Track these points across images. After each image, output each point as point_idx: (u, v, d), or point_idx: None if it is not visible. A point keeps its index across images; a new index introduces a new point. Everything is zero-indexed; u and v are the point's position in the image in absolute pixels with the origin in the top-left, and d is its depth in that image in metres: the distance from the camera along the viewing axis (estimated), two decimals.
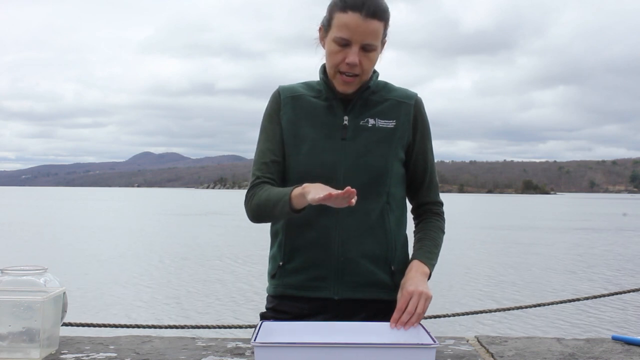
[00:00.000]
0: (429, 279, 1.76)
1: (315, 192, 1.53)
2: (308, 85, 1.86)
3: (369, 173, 1.75)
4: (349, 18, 1.69)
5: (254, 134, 1.88)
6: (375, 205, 1.76)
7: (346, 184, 1.69)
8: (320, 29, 1.81)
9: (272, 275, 1.82)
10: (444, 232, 1.89)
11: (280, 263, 1.79)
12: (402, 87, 1.88)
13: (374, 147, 1.77)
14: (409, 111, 1.81)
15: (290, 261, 1.78)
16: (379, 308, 1.76)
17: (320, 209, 1.72)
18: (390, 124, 1.79)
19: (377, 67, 1.88)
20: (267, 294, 1.87)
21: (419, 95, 1.86)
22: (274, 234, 1.84)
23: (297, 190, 1.61)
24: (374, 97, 1.81)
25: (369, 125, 1.78)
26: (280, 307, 1.80)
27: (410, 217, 1.93)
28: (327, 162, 1.75)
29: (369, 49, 1.71)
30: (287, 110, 1.81)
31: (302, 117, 1.80)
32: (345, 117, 1.78)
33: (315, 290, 1.75)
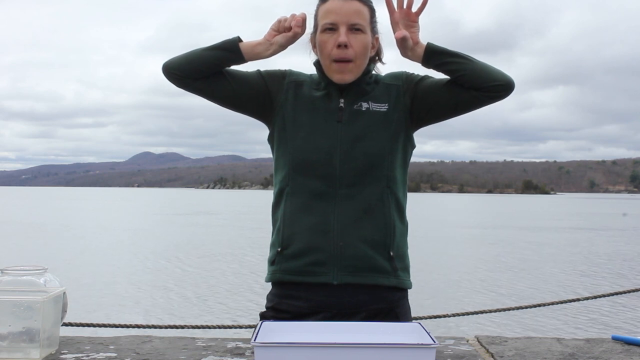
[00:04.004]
0: (426, 52, 1.76)
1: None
2: (312, 77, 1.89)
3: (365, 158, 1.77)
4: (331, 3, 1.77)
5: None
6: (374, 189, 1.77)
7: (343, 169, 1.74)
8: (310, 38, 1.86)
9: (272, 262, 1.83)
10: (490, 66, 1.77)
11: (279, 249, 1.80)
12: (390, 72, 1.90)
13: (370, 131, 1.78)
14: (399, 92, 1.83)
15: (289, 247, 1.78)
16: (379, 308, 1.76)
17: (318, 194, 1.74)
18: (383, 107, 1.81)
19: (378, 68, 1.91)
20: (266, 290, 1.87)
21: (407, 71, 1.88)
22: (274, 223, 1.86)
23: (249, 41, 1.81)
24: (368, 86, 1.84)
25: (363, 109, 1.80)
26: (280, 307, 1.80)
27: (410, 204, 1.92)
28: (322, 147, 1.77)
29: (357, 30, 1.76)
30: (289, 96, 1.84)
31: (302, 104, 1.83)
32: (341, 100, 1.81)
33: (314, 276, 1.75)
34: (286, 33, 1.79)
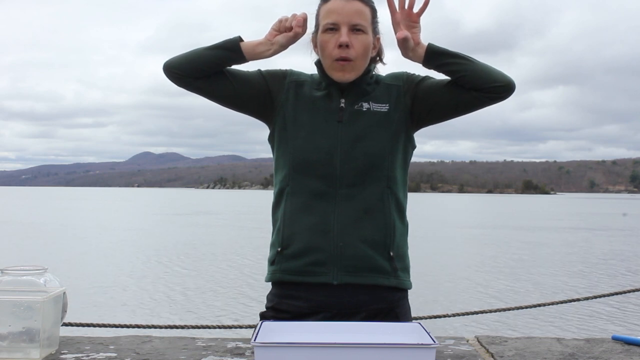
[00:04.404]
0: (427, 53, 1.77)
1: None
2: (313, 77, 1.89)
3: (366, 158, 1.77)
4: (333, 3, 1.77)
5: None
6: (374, 190, 1.77)
7: (343, 169, 1.74)
8: (312, 38, 1.87)
9: (272, 262, 1.83)
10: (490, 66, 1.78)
11: (279, 249, 1.80)
12: (391, 72, 1.90)
13: (370, 132, 1.78)
14: (400, 92, 1.83)
15: (289, 247, 1.78)
16: (379, 308, 1.76)
17: (318, 194, 1.75)
18: (384, 107, 1.81)
19: (379, 69, 1.91)
20: (266, 290, 1.87)
21: (408, 71, 1.88)
22: (274, 223, 1.86)
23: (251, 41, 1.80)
24: (369, 87, 1.84)
25: (364, 109, 1.80)
26: (280, 307, 1.80)
27: (410, 204, 1.92)
28: (323, 146, 1.77)
29: (358, 30, 1.76)
30: (290, 96, 1.84)
31: (302, 104, 1.83)
32: (342, 100, 1.81)
33: (314, 276, 1.75)
34: (287, 33, 1.79)
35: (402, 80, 1.85)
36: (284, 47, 1.80)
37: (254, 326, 1.40)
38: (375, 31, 1.83)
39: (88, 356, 1.50)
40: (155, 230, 30.49)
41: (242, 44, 1.80)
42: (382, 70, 1.91)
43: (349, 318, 1.72)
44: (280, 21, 1.80)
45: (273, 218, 1.86)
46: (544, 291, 13.22)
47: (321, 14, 1.80)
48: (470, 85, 1.75)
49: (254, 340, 1.24)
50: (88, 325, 3.49)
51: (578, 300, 4.38)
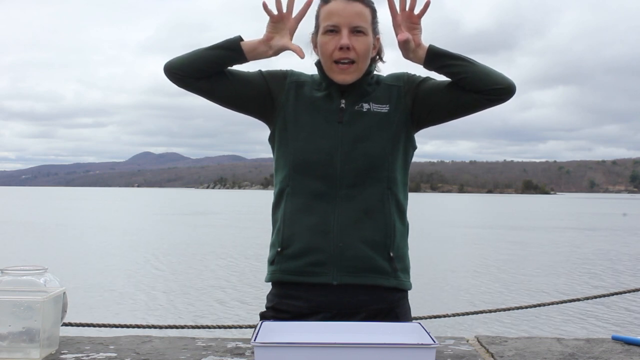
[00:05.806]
0: (428, 54, 1.77)
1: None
2: (313, 77, 1.89)
3: (366, 159, 1.77)
4: (333, 4, 1.77)
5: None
6: (374, 190, 1.77)
7: (344, 170, 1.75)
8: (312, 38, 1.87)
9: (272, 262, 1.83)
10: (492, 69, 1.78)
11: (279, 249, 1.80)
12: (391, 73, 1.90)
13: (371, 133, 1.78)
14: (400, 93, 1.83)
15: (289, 247, 1.78)
16: (379, 308, 1.76)
17: (318, 195, 1.75)
18: (384, 108, 1.81)
19: (379, 68, 1.91)
20: (266, 290, 1.87)
21: (409, 72, 1.88)
22: (274, 223, 1.86)
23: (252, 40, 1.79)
24: (369, 87, 1.84)
25: (364, 110, 1.80)
26: (280, 307, 1.80)
27: (410, 204, 1.92)
28: (323, 147, 1.77)
29: (359, 32, 1.76)
30: (290, 96, 1.84)
31: (303, 104, 1.83)
32: (342, 101, 1.81)
33: (314, 276, 1.75)
34: (283, 40, 1.77)
35: (403, 81, 1.85)
36: (282, 49, 1.79)
37: (254, 326, 1.40)
38: (375, 31, 1.83)
39: (88, 356, 1.50)
40: (155, 230, 30.49)
41: (242, 43, 1.80)
42: (381, 69, 1.91)
43: (349, 318, 1.72)
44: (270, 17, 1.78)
45: (273, 218, 1.86)
46: (544, 291, 13.22)
47: (321, 15, 1.80)
48: (471, 87, 1.75)
49: (254, 340, 1.24)
50: (88, 325, 3.49)
51: (578, 300, 4.38)
